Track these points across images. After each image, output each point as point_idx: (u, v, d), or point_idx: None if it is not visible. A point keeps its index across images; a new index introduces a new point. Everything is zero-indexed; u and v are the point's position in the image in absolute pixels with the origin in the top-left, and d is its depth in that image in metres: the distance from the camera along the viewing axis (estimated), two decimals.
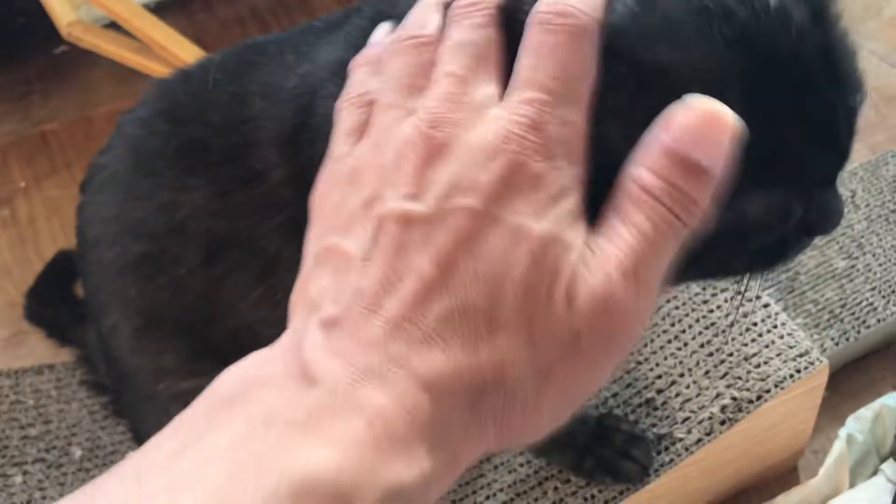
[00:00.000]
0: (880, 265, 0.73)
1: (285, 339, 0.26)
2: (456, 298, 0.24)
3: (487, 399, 0.24)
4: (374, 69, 0.30)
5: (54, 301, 0.72)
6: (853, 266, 0.73)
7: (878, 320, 0.69)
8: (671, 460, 0.55)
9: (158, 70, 0.98)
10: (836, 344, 0.68)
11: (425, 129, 0.26)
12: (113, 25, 1.03)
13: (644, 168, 0.25)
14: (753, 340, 0.58)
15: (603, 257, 0.25)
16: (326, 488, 0.21)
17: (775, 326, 0.58)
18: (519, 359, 0.24)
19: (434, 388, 0.23)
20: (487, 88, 0.27)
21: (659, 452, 0.55)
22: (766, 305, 0.59)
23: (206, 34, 1.10)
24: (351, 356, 0.23)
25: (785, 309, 0.68)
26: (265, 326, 0.40)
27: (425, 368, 0.23)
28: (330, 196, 0.28)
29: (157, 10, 1.13)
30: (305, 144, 0.39)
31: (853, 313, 0.70)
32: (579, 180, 0.25)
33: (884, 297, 0.71)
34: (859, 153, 0.80)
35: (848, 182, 0.79)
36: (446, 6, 0.29)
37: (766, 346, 0.57)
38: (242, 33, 1.10)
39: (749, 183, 0.27)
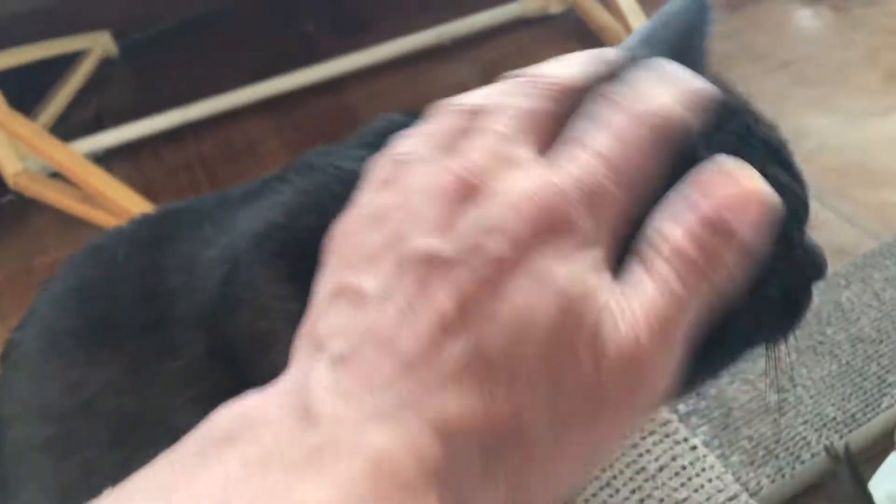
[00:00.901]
0: (811, 397, 0.74)
1: (286, 379, 0.24)
2: (475, 341, 0.23)
3: (502, 451, 0.23)
4: (414, 134, 0.29)
5: None
6: (785, 399, 0.74)
7: (812, 455, 0.69)
8: None
9: (103, 219, 1.00)
10: (772, 481, 0.68)
11: (459, 173, 0.25)
12: (58, 175, 1.05)
13: (680, 229, 0.25)
14: (682, 485, 0.58)
15: (630, 311, 0.24)
16: None
17: (703, 469, 0.58)
18: (538, 409, 0.23)
19: (446, 434, 0.22)
20: (531, 151, 0.26)
21: None
22: (693, 448, 0.60)
23: (153, 181, 1.12)
24: (358, 396, 0.22)
25: (720, 446, 0.68)
26: None
27: (438, 412, 0.22)
28: (349, 236, 0.27)
29: (106, 158, 1.15)
30: (226, 314, 0.39)
31: (787, 448, 0.70)
32: (609, 236, 0.25)
33: (816, 430, 0.71)
34: None
35: None
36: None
37: (696, 491, 0.57)
38: (190, 179, 1.12)
39: None
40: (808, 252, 0.38)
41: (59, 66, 1.34)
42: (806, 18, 1.32)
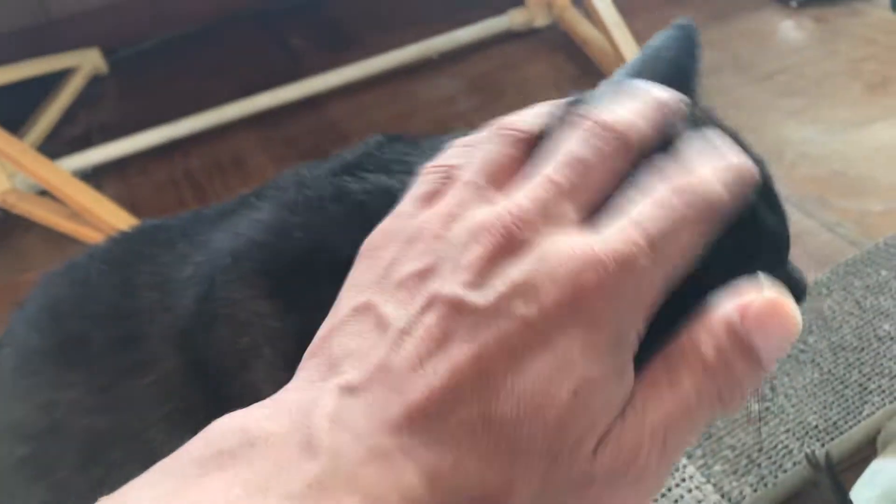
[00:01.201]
0: (793, 406, 0.74)
1: (294, 393, 0.24)
2: (484, 407, 0.23)
3: None
4: (466, 149, 0.28)
5: None
6: (767, 408, 0.74)
7: (794, 463, 0.69)
8: None
9: (90, 236, 1.00)
10: (755, 490, 0.68)
11: (507, 220, 0.25)
12: (46, 193, 1.05)
13: (708, 340, 0.25)
14: (663, 495, 0.58)
15: (642, 418, 0.24)
16: None
17: (683, 480, 0.58)
18: (528, 488, 0.23)
19: (438, 486, 0.22)
20: (581, 211, 0.26)
21: None
22: None
23: (140, 197, 1.13)
24: (361, 432, 0.22)
25: (703, 456, 0.68)
26: None
27: (433, 467, 0.22)
28: (384, 248, 0.26)
29: (94, 175, 1.16)
30: (203, 331, 0.39)
31: (770, 457, 0.70)
32: (638, 335, 0.25)
33: (798, 439, 0.72)
34: None
35: None
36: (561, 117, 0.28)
37: (676, 501, 0.57)
38: (177, 195, 1.13)
39: (747, 256, 0.29)
40: (790, 278, 0.38)
41: (49, 84, 1.35)
42: (789, 29, 1.34)
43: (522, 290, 0.23)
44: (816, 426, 0.72)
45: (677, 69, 0.38)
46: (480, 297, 0.23)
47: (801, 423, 0.73)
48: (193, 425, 0.42)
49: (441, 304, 0.24)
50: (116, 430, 0.40)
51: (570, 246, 0.24)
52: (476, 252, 0.24)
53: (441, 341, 0.23)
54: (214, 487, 0.21)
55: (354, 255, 0.28)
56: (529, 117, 0.28)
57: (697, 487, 0.58)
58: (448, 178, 0.27)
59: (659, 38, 0.39)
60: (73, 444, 0.40)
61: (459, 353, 0.23)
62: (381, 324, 0.24)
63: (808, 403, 0.74)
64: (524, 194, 0.25)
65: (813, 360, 0.78)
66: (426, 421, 0.22)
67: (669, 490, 0.58)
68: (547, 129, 0.28)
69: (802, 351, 0.79)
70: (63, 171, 1.02)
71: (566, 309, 0.23)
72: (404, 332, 0.24)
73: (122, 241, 0.44)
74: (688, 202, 0.25)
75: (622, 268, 0.24)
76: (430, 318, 0.23)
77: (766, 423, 0.73)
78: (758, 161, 0.37)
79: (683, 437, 0.25)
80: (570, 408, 0.23)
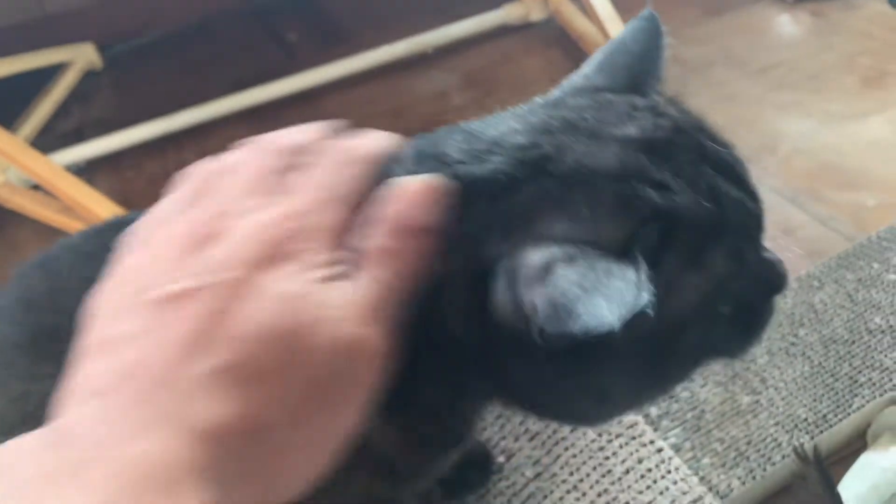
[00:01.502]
0: (783, 399, 0.74)
1: (52, 421, 0.27)
2: (217, 357, 0.26)
3: (253, 447, 0.26)
4: (164, 201, 0.33)
5: None
6: (757, 401, 0.74)
7: (783, 456, 0.69)
8: None
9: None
10: (743, 483, 0.68)
11: (196, 225, 0.29)
12: (39, 187, 1.05)
13: (371, 236, 0.30)
14: (648, 487, 0.58)
15: (347, 308, 0.28)
16: None
17: (669, 472, 0.58)
18: (277, 406, 0.26)
19: (201, 438, 0.25)
20: (259, 198, 0.31)
21: None
22: (659, 450, 0.60)
23: (133, 191, 1.13)
24: (118, 418, 0.25)
25: (692, 449, 0.68)
26: None
27: (192, 419, 0.25)
28: (102, 302, 0.30)
29: (87, 169, 1.16)
30: None
31: (759, 450, 0.70)
32: (325, 248, 0.30)
33: (787, 431, 0.71)
34: None
35: None
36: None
37: (661, 493, 0.57)
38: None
39: (707, 244, 0.33)
40: (765, 266, 0.37)
41: (43, 78, 1.34)
42: (785, 24, 1.33)
43: (222, 263, 0.28)
44: (806, 419, 0.72)
45: (642, 60, 0.39)
46: (189, 282, 0.27)
47: (790, 415, 0.72)
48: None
49: (160, 304, 0.27)
50: None
51: (253, 223, 0.29)
52: (178, 256, 0.28)
53: (166, 328, 0.27)
54: None
55: None
56: (220, 159, 0.34)
57: (683, 479, 0.58)
58: (149, 226, 0.32)
59: (625, 30, 0.40)
60: None
61: (182, 325, 0.26)
62: (113, 344, 0.27)
63: (798, 396, 0.74)
64: (211, 205, 0.30)
65: (803, 353, 0.77)
66: (173, 387, 0.25)
67: (655, 482, 0.58)
68: None
69: (793, 344, 0.79)
70: (56, 166, 1.02)
71: (261, 264, 0.28)
72: (134, 337, 0.27)
73: (93, 235, 0.45)
74: (339, 156, 0.32)
75: (298, 222, 0.29)
76: (154, 318, 0.27)
77: (756, 417, 0.73)
78: (726, 145, 0.37)
79: (387, 307, 0.30)
80: (280, 328, 0.27)
